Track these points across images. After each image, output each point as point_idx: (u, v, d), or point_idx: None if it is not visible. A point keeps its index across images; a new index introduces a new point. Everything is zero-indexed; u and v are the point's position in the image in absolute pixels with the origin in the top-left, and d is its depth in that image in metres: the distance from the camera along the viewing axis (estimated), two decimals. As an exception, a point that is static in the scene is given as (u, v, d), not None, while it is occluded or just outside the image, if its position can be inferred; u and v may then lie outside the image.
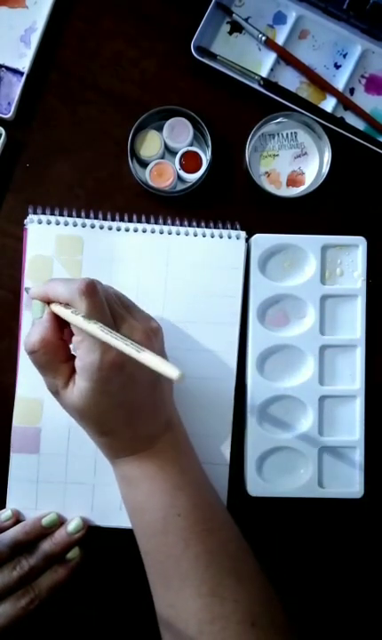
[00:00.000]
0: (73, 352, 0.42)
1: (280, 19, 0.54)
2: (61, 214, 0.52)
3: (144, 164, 0.52)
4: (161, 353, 0.44)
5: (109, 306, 0.41)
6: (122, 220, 0.52)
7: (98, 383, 0.39)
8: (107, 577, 0.52)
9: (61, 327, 0.42)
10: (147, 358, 0.34)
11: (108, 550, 0.52)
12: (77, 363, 0.40)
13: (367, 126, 0.54)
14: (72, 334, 0.41)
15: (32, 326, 0.42)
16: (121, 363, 0.39)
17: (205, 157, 0.52)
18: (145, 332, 0.42)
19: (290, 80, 0.54)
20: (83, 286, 0.39)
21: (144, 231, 0.52)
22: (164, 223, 0.53)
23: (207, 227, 0.53)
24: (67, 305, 0.40)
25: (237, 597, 0.41)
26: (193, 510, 0.43)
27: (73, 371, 0.41)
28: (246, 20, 0.53)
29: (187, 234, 0.52)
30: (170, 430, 0.45)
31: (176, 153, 0.52)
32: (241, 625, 0.40)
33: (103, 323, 0.38)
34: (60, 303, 0.41)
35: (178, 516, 0.42)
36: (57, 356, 0.41)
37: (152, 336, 0.42)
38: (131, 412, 0.42)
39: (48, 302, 0.42)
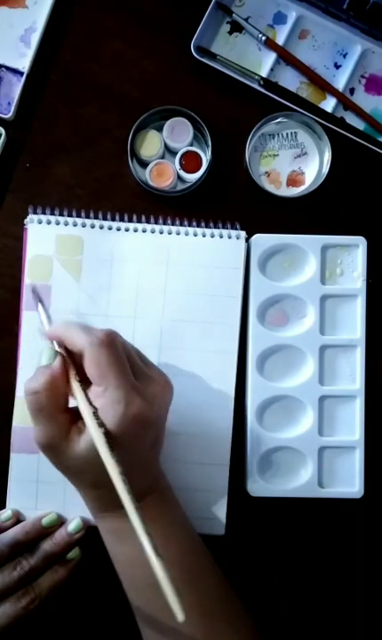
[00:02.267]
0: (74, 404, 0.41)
1: (280, 19, 0.54)
2: (61, 214, 0.52)
3: (144, 164, 0.52)
4: (168, 409, 0.44)
5: (129, 357, 0.41)
6: (122, 220, 0.52)
7: (114, 433, 0.38)
8: (107, 577, 0.52)
9: (68, 377, 0.41)
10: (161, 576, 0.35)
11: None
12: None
13: (367, 126, 0.54)
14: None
15: (38, 368, 0.41)
16: (143, 417, 0.39)
17: (205, 157, 0.52)
18: (162, 386, 0.42)
19: (290, 80, 0.54)
20: (104, 338, 0.39)
21: (144, 231, 0.52)
22: (164, 223, 0.53)
23: (207, 227, 0.53)
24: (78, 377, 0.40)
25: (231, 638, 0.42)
26: (182, 560, 0.43)
27: (72, 421, 0.40)
28: (246, 20, 0.53)
29: (186, 234, 0.52)
30: (157, 484, 0.45)
31: (176, 153, 0.52)
32: None
33: (120, 374, 0.39)
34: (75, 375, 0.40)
35: (170, 569, 0.40)
36: (58, 401, 0.40)
37: (167, 390, 0.43)
38: (128, 465, 0.40)
39: (61, 346, 0.41)
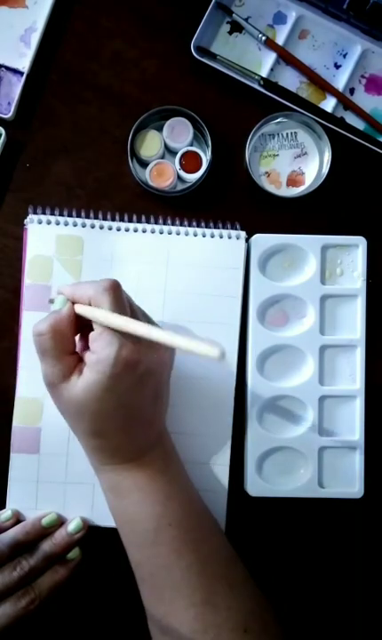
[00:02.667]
0: (80, 351, 0.42)
1: (280, 19, 0.54)
2: (61, 214, 0.52)
3: (144, 164, 0.52)
4: (168, 367, 0.45)
5: (132, 310, 0.42)
6: (122, 220, 0.52)
7: (108, 378, 0.39)
8: (107, 577, 0.52)
9: (75, 325, 0.42)
10: (183, 341, 0.35)
11: (108, 550, 0.52)
12: (90, 356, 0.40)
13: (367, 126, 0.54)
14: (82, 335, 0.41)
15: (49, 314, 0.42)
16: (136, 361, 0.39)
17: (205, 157, 0.52)
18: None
19: (290, 80, 0.54)
20: (107, 284, 0.40)
21: (144, 231, 0.52)
22: (164, 223, 0.53)
23: (207, 227, 0.53)
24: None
25: (230, 604, 0.41)
26: (183, 519, 0.43)
27: (75, 364, 0.41)
28: (246, 20, 0.53)
29: (186, 234, 0.52)
30: (160, 442, 0.45)
31: (176, 153, 0.52)
32: (233, 632, 0.40)
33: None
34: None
35: (169, 526, 0.42)
36: (63, 344, 0.41)
37: (167, 349, 0.43)
38: (130, 417, 0.41)
39: (73, 302, 0.42)
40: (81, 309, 0.41)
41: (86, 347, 0.41)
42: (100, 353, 0.39)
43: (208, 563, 0.42)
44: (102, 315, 0.39)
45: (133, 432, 0.42)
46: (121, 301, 0.40)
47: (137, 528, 0.43)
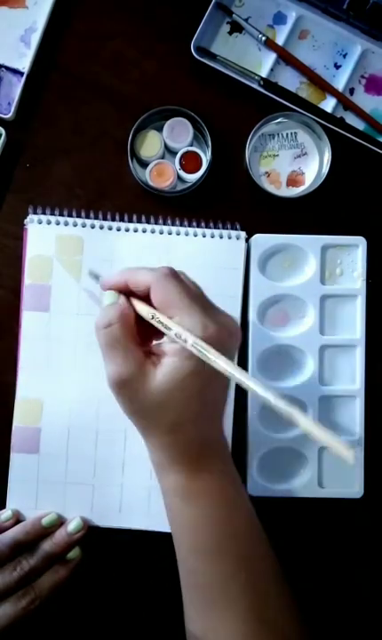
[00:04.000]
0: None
1: (280, 19, 0.54)
2: (61, 214, 0.52)
3: (144, 164, 0.52)
4: (236, 352, 0.42)
5: (196, 292, 0.40)
6: (122, 220, 0.52)
7: (194, 363, 0.36)
8: (107, 577, 0.52)
9: (135, 315, 0.39)
10: (318, 431, 0.34)
11: (108, 550, 0.52)
12: (171, 346, 0.37)
13: (367, 126, 0.54)
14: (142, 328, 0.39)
15: (103, 308, 0.39)
16: (222, 343, 0.37)
17: (205, 157, 0.52)
18: (233, 319, 0.40)
19: (290, 80, 0.54)
20: (167, 270, 0.38)
21: (144, 231, 0.52)
22: (164, 223, 0.53)
23: (207, 227, 0.53)
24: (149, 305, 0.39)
25: (283, 625, 0.40)
26: (247, 532, 0.41)
27: (145, 357, 0.38)
28: (246, 20, 0.53)
29: (187, 234, 0.52)
30: (224, 444, 0.43)
31: (176, 153, 0.52)
32: None
33: (191, 300, 0.37)
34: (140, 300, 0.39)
35: (233, 538, 0.40)
36: (132, 335, 0.38)
37: (238, 330, 0.40)
38: (204, 406, 0.39)
39: (125, 293, 0.40)
40: (147, 315, 0.38)
41: (149, 340, 0.40)
42: (178, 361, 0.37)
43: (265, 579, 0.41)
44: (171, 324, 0.37)
45: (207, 425, 0.40)
46: (185, 288, 0.38)
47: (199, 536, 0.40)
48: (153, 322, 0.38)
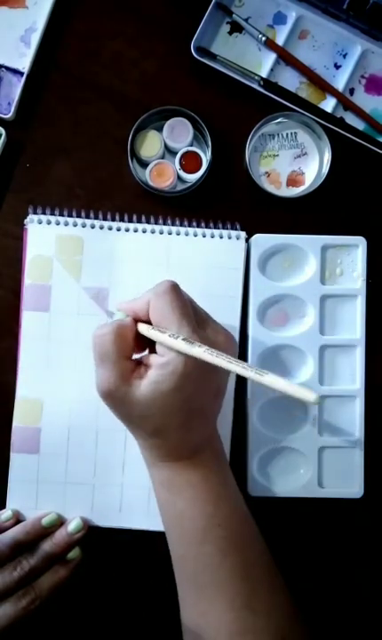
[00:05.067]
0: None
1: (280, 19, 0.54)
2: (61, 214, 0.52)
3: (144, 164, 0.52)
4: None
5: (193, 308, 0.43)
6: (122, 220, 0.52)
7: (178, 377, 0.39)
8: (107, 577, 0.52)
9: (136, 336, 0.42)
10: (277, 382, 0.36)
11: (108, 550, 0.52)
12: (157, 358, 0.40)
13: (367, 126, 0.54)
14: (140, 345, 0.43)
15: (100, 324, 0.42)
16: (202, 362, 0.39)
17: (205, 157, 0.52)
18: (225, 336, 0.43)
19: (290, 80, 0.54)
20: (163, 288, 0.41)
21: (144, 231, 0.52)
22: (164, 223, 0.53)
23: (207, 227, 0.53)
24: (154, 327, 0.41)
25: (270, 611, 0.41)
26: (232, 521, 0.43)
27: (133, 369, 0.41)
28: (246, 20, 0.53)
29: (187, 234, 0.52)
30: (213, 440, 0.45)
31: (176, 153, 0.52)
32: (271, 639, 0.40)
33: (183, 317, 0.40)
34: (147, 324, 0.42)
35: (218, 526, 0.42)
36: (123, 348, 0.41)
37: (231, 343, 0.44)
38: (191, 414, 0.41)
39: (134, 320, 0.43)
40: (145, 331, 0.42)
41: (141, 351, 0.43)
42: (169, 354, 0.40)
43: (251, 566, 0.42)
44: (166, 339, 0.39)
45: (193, 429, 0.42)
46: (179, 305, 0.41)
47: (186, 525, 0.43)
48: (148, 333, 0.41)
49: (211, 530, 0.42)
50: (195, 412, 0.42)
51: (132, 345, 0.42)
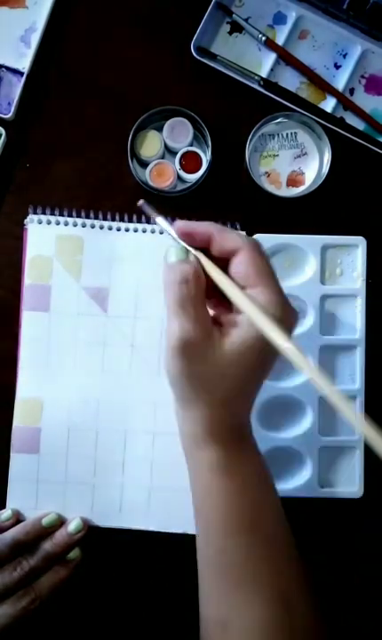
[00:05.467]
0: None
1: (280, 19, 0.54)
2: (61, 214, 0.52)
3: (144, 164, 0.52)
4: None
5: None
6: (122, 220, 0.52)
7: (264, 345, 0.35)
8: (107, 577, 0.52)
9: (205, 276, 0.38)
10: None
11: (108, 550, 0.52)
12: (245, 317, 0.36)
13: (367, 126, 0.54)
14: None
15: (170, 265, 0.37)
16: (294, 327, 0.37)
17: (205, 157, 0.52)
18: (293, 311, 0.39)
19: (290, 80, 0.54)
20: (258, 241, 0.37)
21: (144, 231, 0.52)
22: (164, 223, 0.53)
23: (207, 227, 0.53)
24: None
25: (304, 611, 0.39)
26: (276, 510, 0.41)
27: (213, 324, 0.37)
28: (246, 20, 0.53)
29: (187, 234, 0.52)
30: (252, 427, 0.42)
31: (176, 153, 0.52)
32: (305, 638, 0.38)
33: (275, 277, 0.37)
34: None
35: (266, 516, 0.40)
36: (203, 296, 0.37)
37: (294, 319, 0.39)
38: (255, 390, 0.39)
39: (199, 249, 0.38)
40: (233, 291, 0.36)
41: (219, 308, 0.39)
42: (253, 335, 0.36)
43: (291, 561, 0.40)
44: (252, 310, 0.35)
45: (252, 404, 0.39)
46: (270, 264, 0.37)
47: (234, 513, 0.39)
48: (229, 290, 0.37)
49: (259, 522, 0.39)
50: (259, 386, 0.39)
51: (208, 289, 0.37)
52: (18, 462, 0.51)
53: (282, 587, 0.39)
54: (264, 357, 0.37)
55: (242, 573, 0.39)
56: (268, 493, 0.41)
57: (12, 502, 0.51)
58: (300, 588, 0.40)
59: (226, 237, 0.37)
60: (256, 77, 0.52)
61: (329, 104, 0.54)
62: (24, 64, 0.52)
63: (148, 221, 0.52)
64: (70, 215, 0.52)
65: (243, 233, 0.37)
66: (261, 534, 0.39)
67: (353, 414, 0.34)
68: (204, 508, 0.40)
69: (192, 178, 0.52)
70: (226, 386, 0.37)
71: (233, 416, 0.39)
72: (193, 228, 0.38)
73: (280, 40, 0.53)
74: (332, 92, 0.54)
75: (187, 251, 0.38)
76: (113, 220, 0.52)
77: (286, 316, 0.36)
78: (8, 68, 0.52)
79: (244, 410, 0.40)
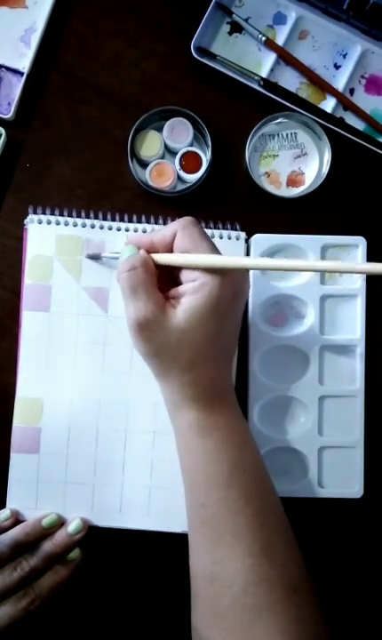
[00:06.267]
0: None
1: (280, 19, 0.54)
2: (61, 214, 0.52)
3: (144, 164, 0.52)
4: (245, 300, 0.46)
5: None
6: (122, 220, 0.52)
7: (214, 299, 0.40)
8: (107, 577, 0.52)
9: (154, 264, 0.42)
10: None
11: (108, 550, 0.52)
12: (190, 284, 0.40)
13: (367, 126, 0.54)
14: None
15: (125, 260, 0.42)
16: (241, 288, 0.41)
17: (205, 157, 0.52)
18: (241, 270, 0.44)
19: (290, 80, 0.54)
20: (192, 218, 0.42)
21: (144, 231, 0.52)
22: (164, 223, 0.53)
23: (207, 227, 0.53)
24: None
25: (285, 562, 0.41)
26: (255, 468, 0.43)
27: (165, 299, 0.41)
28: (246, 20, 0.53)
29: (187, 234, 0.52)
30: (232, 386, 0.45)
31: (176, 153, 0.52)
32: (285, 590, 0.40)
33: (213, 245, 0.41)
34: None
35: (243, 472, 0.42)
36: (153, 278, 0.41)
37: (247, 276, 0.45)
38: (222, 349, 0.42)
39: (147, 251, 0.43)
40: (173, 258, 0.42)
41: (164, 289, 0.42)
42: (204, 277, 0.40)
43: (270, 516, 0.43)
44: (198, 258, 0.40)
45: (222, 367, 0.43)
46: (207, 235, 0.42)
47: (212, 469, 0.42)
48: (177, 260, 0.42)
49: (236, 475, 0.42)
50: (225, 348, 0.43)
51: (157, 271, 0.42)
52: (18, 462, 0.51)
53: (264, 540, 0.41)
54: (217, 316, 0.40)
55: (223, 527, 0.41)
56: (246, 451, 0.43)
57: (12, 502, 0.50)
58: (284, 541, 0.42)
59: (163, 232, 0.42)
60: (256, 77, 0.52)
61: (329, 104, 0.54)
62: (24, 64, 0.52)
63: (148, 221, 0.53)
64: (70, 215, 0.52)
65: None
66: (239, 486, 0.42)
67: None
68: (186, 466, 0.44)
69: (192, 178, 0.52)
70: (188, 351, 0.41)
71: (205, 378, 0.42)
72: (136, 239, 0.43)
73: (280, 40, 0.53)
74: (332, 92, 0.54)
75: (136, 248, 0.43)
76: (113, 220, 0.52)
77: (232, 276, 0.41)
78: (8, 68, 0.52)
79: (216, 370, 0.43)
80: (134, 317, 0.41)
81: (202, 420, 0.43)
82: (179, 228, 0.41)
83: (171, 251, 0.42)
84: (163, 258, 0.42)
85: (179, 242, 0.41)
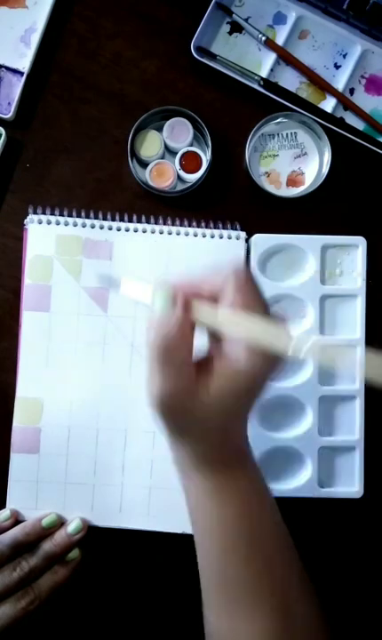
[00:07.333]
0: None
1: (280, 19, 0.54)
2: (61, 214, 0.52)
3: (144, 164, 0.52)
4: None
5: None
6: (122, 220, 0.52)
7: (255, 385, 0.34)
8: (107, 577, 0.52)
9: (192, 325, 0.35)
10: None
11: (108, 550, 0.52)
12: (230, 363, 0.34)
13: (366, 126, 0.54)
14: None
15: (159, 315, 0.34)
16: (281, 368, 0.34)
17: (205, 157, 0.52)
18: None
19: (290, 80, 0.54)
20: (247, 270, 0.35)
21: (144, 231, 0.52)
22: (164, 223, 0.53)
23: (207, 227, 0.53)
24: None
25: (305, 612, 0.40)
26: (275, 532, 0.40)
27: (195, 374, 0.34)
28: (246, 20, 0.53)
29: (186, 234, 0.52)
30: (249, 445, 0.40)
31: (176, 153, 0.52)
32: None
33: (266, 306, 0.34)
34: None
35: (262, 538, 0.40)
36: (190, 345, 0.34)
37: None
38: (248, 407, 0.37)
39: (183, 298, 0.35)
40: (233, 320, 0.33)
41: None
42: (250, 362, 0.33)
43: (291, 567, 0.41)
44: (254, 328, 0.33)
45: (244, 425, 0.38)
46: (261, 292, 0.34)
47: (230, 536, 0.38)
48: (237, 323, 0.34)
49: (257, 542, 0.39)
50: (251, 405, 0.37)
51: (191, 343, 0.34)
52: (18, 462, 0.51)
53: (283, 595, 0.39)
54: (253, 395, 0.36)
55: (242, 591, 0.39)
56: (265, 510, 0.40)
57: (12, 502, 0.50)
58: (301, 592, 0.40)
59: (209, 278, 0.35)
60: (256, 77, 0.52)
61: (329, 104, 0.54)
62: (24, 64, 0.52)
63: (148, 221, 0.52)
64: (70, 215, 0.52)
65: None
66: (260, 553, 0.39)
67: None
68: (199, 530, 0.40)
69: (192, 178, 0.52)
70: (217, 423, 0.35)
71: (228, 443, 0.38)
72: (180, 286, 0.35)
73: (280, 40, 0.53)
74: (332, 92, 0.54)
75: (172, 299, 0.34)
76: (113, 220, 0.52)
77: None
78: (8, 68, 0.52)
79: (241, 433, 0.38)
80: (159, 394, 0.34)
81: (220, 483, 0.38)
82: (233, 276, 0.34)
83: (214, 301, 0.35)
84: (209, 316, 0.34)
85: (241, 296, 0.33)
